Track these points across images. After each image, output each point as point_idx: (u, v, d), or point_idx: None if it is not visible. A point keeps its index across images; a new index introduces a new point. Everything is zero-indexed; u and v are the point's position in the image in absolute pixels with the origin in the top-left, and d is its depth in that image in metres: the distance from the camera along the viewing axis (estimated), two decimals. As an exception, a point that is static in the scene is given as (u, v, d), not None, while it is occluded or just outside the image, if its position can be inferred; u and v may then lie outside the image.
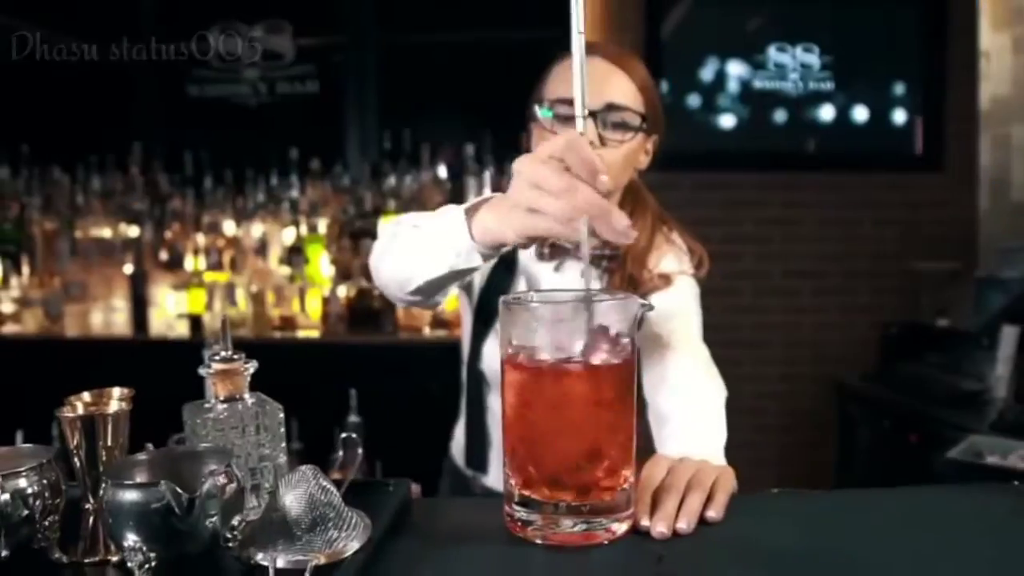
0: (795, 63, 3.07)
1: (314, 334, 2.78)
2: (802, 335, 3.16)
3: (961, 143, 3.16)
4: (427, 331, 2.74)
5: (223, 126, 3.21)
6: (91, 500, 0.69)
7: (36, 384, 1.85)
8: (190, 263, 2.91)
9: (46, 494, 0.66)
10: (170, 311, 2.86)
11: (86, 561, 0.68)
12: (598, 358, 0.74)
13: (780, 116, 3.10)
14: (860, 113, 3.11)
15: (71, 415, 0.68)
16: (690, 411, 1.06)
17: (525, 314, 0.76)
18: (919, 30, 3.11)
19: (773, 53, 3.08)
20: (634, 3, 3.08)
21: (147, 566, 0.60)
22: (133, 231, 2.97)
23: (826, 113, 3.10)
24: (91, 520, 0.69)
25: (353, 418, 1.99)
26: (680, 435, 1.03)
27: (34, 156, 3.08)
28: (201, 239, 2.94)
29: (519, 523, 0.76)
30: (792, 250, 3.15)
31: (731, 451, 1.02)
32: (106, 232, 2.97)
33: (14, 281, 2.92)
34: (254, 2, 3.13)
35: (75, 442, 0.69)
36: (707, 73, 3.09)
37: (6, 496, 0.62)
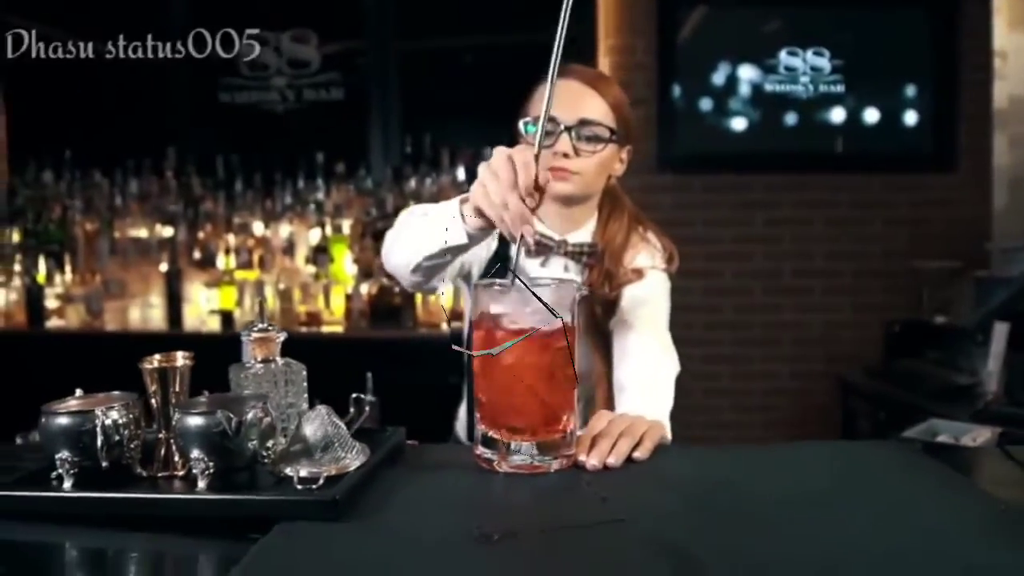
0: (806, 66, 3.29)
1: (338, 329, 3.08)
2: (812, 333, 3.36)
3: (974, 143, 3.34)
4: (444, 326, 3.02)
5: (253, 132, 3.53)
6: (164, 431, 0.97)
7: (78, 375, 2.13)
8: (222, 262, 3.22)
9: (132, 425, 0.95)
10: (203, 307, 3.18)
11: (159, 475, 0.96)
12: (527, 328, 1.01)
13: (791, 119, 3.32)
14: (871, 115, 3.31)
15: (150, 367, 0.97)
16: (642, 382, 1.33)
17: (480, 292, 1.05)
18: (930, 32, 3.30)
19: (784, 57, 3.30)
20: (648, 9, 3.32)
21: (207, 472, 0.89)
22: (168, 231, 3.30)
23: (837, 115, 3.31)
24: (163, 448, 0.98)
25: (369, 398, 2.25)
26: (632, 400, 1.30)
27: (76, 161, 3.43)
28: (232, 239, 3.26)
29: (485, 461, 1.04)
30: (803, 249, 3.36)
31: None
32: (143, 232, 3.31)
33: (58, 279, 3.26)
34: (282, 12, 3.44)
35: (152, 388, 0.98)
36: (719, 77, 3.33)
37: (109, 421, 0.91)
